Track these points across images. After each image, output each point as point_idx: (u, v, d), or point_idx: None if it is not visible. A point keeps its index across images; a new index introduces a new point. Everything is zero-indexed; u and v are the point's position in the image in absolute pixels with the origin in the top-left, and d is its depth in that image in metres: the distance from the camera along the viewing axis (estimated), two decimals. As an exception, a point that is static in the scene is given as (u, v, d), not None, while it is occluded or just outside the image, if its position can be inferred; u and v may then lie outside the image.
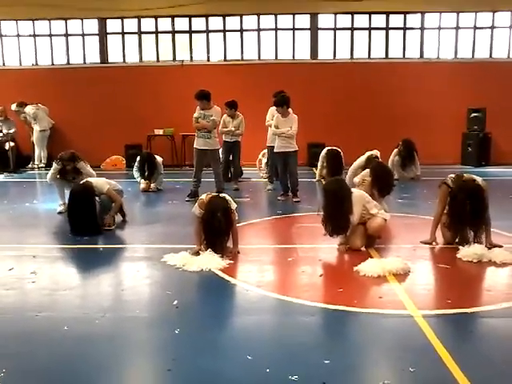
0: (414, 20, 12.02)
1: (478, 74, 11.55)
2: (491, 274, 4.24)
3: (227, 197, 4.74)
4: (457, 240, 4.86)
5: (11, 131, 11.21)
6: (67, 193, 6.41)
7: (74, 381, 2.55)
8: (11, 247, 5.06)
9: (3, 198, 8.43)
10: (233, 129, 8.58)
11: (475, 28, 11.99)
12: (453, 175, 4.87)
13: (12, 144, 11.07)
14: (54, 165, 6.52)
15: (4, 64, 12.58)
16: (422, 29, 12.03)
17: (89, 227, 5.45)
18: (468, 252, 4.46)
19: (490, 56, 12.06)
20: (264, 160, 9.78)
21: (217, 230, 4.48)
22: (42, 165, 11.43)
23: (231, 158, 8.87)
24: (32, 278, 4.05)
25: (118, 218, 6.11)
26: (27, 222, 6.25)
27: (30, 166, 11.67)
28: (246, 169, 10.08)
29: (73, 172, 6.42)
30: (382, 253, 4.68)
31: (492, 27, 11.97)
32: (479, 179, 4.77)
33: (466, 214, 4.60)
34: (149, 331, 3.17)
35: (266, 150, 9.22)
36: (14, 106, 11.42)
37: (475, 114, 11.26)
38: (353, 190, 4.98)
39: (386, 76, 11.66)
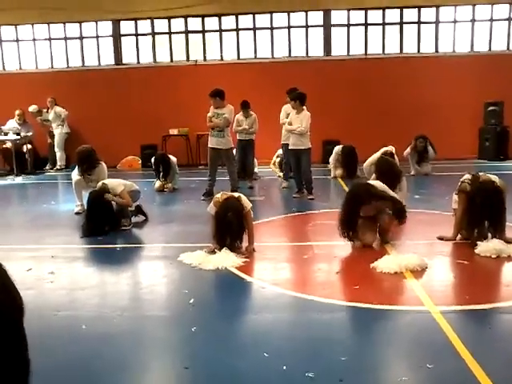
0: (428, 14, 11.89)
1: (494, 66, 11.39)
2: (510, 270, 4.18)
3: (242, 197, 4.74)
4: (475, 235, 4.81)
5: (29, 134, 11.37)
6: (84, 194, 6.53)
7: (92, 379, 2.58)
8: (30, 248, 5.12)
9: (21, 200, 8.58)
10: (246, 127, 8.59)
11: (491, 20, 11.82)
12: (469, 176, 4.79)
13: (29, 146, 11.23)
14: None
15: (21, 68, 12.76)
16: (437, 23, 11.90)
17: (107, 223, 5.57)
18: (486, 247, 4.39)
19: (508, 48, 11.88)
20: (278, 160, 9.77)
21: (226, 231, 4.50)
22: (59, 167, 11.58)
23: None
24: (50, 278, 4.10)
25: (139, 218, 6.18)
26: (45, 223, 6.33)
27: (47, 167, 11.83)
28: (260, 167, 10.07)
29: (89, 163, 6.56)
30: (399, 249, 4.64)
31: (509, 19, 11.79)
32: (497, 179, 4.69)
33: (483, 217, 4.55)
34: (166, 329, 3.19)
35: (279, 151, 9.21)
36: (31, 108, 11.58)
37: (492, 108, 11.10)
38: (369, 181, 4.98)
39: (400, 71, 11.56)
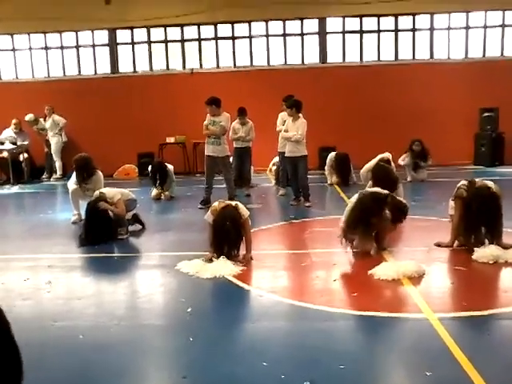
0: (423, 21, 11.97)
1: (489, 73, 11.46)
2: (508, 275, 4.19)
3: (240, 205, 4.73)
4: (472, 241, 4.82)
5: (25, 143, 11.35)
6: (81, 203, 6.52)
7: (89, 389, 2.56)
8: (27, 258, 5.11)
9: (18, 209, 8.55)
10: (243, 135, 8.61)
11: (485, 27, 11.90)
12: (465, 182, 4.80)
13: (26, 155, 11.21)
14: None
15: (17, 77, 12.76)
16: (432, 30, 11.98)
17: (106, 234, 5.56)
18: (483, 253, 4.40)
19: (502, 55, 11.96)
20: (274, 168, 9.78)
21: (224, 240, 4.50)
22: (59, 176, 11.56)
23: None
24: (47, 288, 4.09)
25: (136, 227, 6.17)
26: (42, 233, 6.31)
27: (44, 176, 11.80)
28: (256, 175, 10.08)
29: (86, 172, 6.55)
30: (396, 256, 4.64)
31: (503, 26, 11.87)
32: (493, 185, 4.70)
33: (480, 223, 4.56)
34: (163, 339, 3.18)
35: (275, 159, 9.20)
36: (27, 117, 11.55)
37: (488, 114, 11.15)
38: (368, 189, 5.01)
39: (396, 78, 11.62)
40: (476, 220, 4.56)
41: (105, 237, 5.55)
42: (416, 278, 3.99)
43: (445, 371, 2.57)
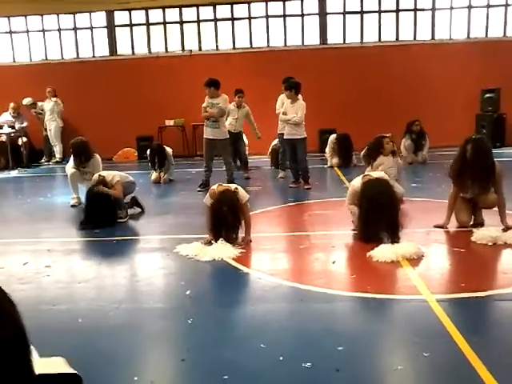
0: (424, 1, 11.80)
1: (491, 53, 11.34)
2: (506, 257, 4.18)
3: (239, 189, 4.71)
4: (471, 223, 4.83)
5: (24, 125, 11.30)
6: (80, 187, 6.52)
7: (88, 372, 2.55)
8: (26, 241, 5.11)
9: (17, 193, 8.54)
10: (232, 128, 8.51)
11: (488, 6, 11.75)
12: None
13: (25, 139, 11.17)
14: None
15: (14, 60, 12.66)
16: (434, 9, 11.82)
17: (108, 219, 5.53)
18: (482, 235, 4.39)
19: (504, 35, 11.81)
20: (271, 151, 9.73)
21: (222, 224, 4.49)
22: (59, 159, 11.54)
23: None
24: (47, 272, 4.09)
25: (136, 210, 6.16)
26: (41, 216, 6.31)
27: (43, 160, 11.78)
28: (256, 158, 10.04)
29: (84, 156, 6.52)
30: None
31: (505, 5, 11.71)
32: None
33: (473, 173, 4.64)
34: (163, 322, 3.18)
35: (275, 142, 9.14)
36: (25, 101, 11.49)
37: (489, 95, 11.06)
38: (373, 173, 5.01)
39: (397, 59, 11.51)
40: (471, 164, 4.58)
41: (106, 221, 5.54)
42: (415, 260, 3.99)
43: (443, 352, 2.57)
